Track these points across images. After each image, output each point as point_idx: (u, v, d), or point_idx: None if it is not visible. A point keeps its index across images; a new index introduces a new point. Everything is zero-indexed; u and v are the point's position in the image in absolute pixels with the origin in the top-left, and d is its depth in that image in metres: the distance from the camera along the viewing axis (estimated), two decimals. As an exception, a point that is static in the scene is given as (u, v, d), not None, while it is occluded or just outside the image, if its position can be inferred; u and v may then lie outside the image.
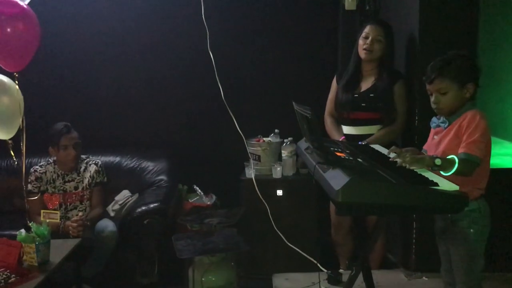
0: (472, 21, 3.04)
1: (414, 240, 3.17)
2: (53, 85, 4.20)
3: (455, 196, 1.87)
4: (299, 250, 3.45)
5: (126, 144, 4.19)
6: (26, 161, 3.39)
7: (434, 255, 2.48)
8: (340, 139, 3.15)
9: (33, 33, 3.13)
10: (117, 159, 4.04)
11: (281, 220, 3.54)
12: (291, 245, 3.46)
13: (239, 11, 4.13)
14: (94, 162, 3.64)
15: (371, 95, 3.13)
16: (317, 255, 3.41)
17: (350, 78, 3.23)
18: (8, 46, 3.04)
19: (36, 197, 3.47)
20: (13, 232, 3.04)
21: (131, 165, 4.03)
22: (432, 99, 2.25)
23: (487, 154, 2.15)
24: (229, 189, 3.87)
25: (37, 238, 2.70)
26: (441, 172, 2.04)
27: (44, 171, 3.54)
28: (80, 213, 3.43)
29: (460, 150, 2.08)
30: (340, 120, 3.30)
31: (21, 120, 3.16)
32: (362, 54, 3.14)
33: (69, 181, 3.55)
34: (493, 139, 2.24)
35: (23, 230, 2.76)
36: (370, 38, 3.09)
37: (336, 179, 1.85)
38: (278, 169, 3.64)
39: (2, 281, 2.52)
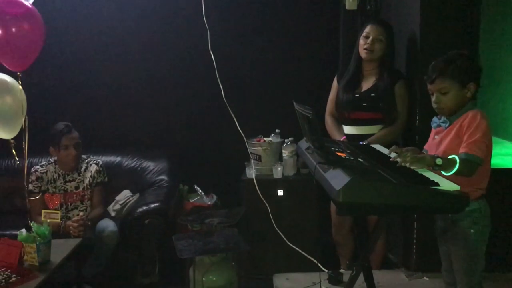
0: (472, 21, 3.04)
1: (415, 240, 3.17)
2: (54, 85, 4.20)
3: (456, 196, 1.87)
4: (299, 250, 3.45)
5: (126, 144, 4.19)
6: (27, 161, 3.39)
7: (435, 255, 2.48)
8: (341, 139, 3.15)
9: (38, 33, 3.14)
10: (118, 159, 4.04)
11: (281, 220, 3.54)
12: (291, 245, 3.46)
13: (239, 10, 4.13)
14: (95, 162, 3.64)
15: (372, 95, 3.13)
16: (318, 255, 3.40)
17: (351, 78, 3.23)
18: (13, 46, 3.05)
19: (37, 197, 3.48)
20: (14, 232, 3.04)
21: (132, 165, 4.03)
22: (433, 99, 2.25)
23: (488, 154, 2.15)
24: (229, 189, 3.87)
25: (38, 238, 2.71)
26: (442, 172, 2.04)
27: (45, 171, 3.54)
28: (81, 213, 3.43)
29: (461, 150, 2.08)
30: (341, 120, 3.30)
31: (23, 120, 3.17)
32: (362, 54, 3.14)
33: (70, 181, 3.55)
34: (494, 139, 2.24)
35: (24, 230, 2.76)
36: (370, 38, 3.09)
37: (336, 179, 1.85)
38: (279, 169, 3.64)
39: (3, 281, 2.53)
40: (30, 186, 3.48)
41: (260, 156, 3.71)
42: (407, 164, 2.05)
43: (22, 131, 3.23)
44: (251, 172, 3.67)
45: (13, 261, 2.66)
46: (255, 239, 3.54)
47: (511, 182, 3.14)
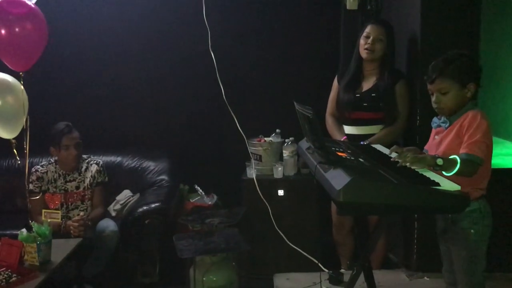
0: (473, 21, 3.04)
1: (415, 240, 3.17)
2: (54, 85, 4.19)
3: (456, 196, 1.87)
4: (300, 250, 3.45)
5: (127, 144, 4.19)
6: (29, 161, 3.39)
7: (435, 255, 2.48)
8: (342, 139, 3.15)
9: (41, 33, 3.15)
10: (119, 159, 4.04)
11: (282, 220, 3.54)
12: (292, 245, 3.46)
13: (240, 10, 4.13)
14: (95, 162, 3.64)
15: (372, 95, 3.13)
16: (318, 255, 3.40)
17: (352, 77, 3.23)
18: (16, 46, 3.06)
19: (37, 197, 3.48)
20: (15, 232, 3.04)
21: (132, 165, 4.03)
22: (433, 99, 2.24)
23: (489, 154, 2.14)
24: (230, 189, 3.87)
25: (39, 238, 2.71)
26: (443, 172, 2.04)
27: (46, 170, 3.54)
28: (82, 213, 3.43)
29: (462, 151, 2.08)
30: (341, 120, 3.30)
31: (25, 119, 3.18)
32: (363, 53, 3.14)
33: (70, 181, 3.55)
34: (495, 139, 2.24)
35: (24, 230, 2.76)
36: (371, 37, 3.09)
37: (337, 179, 1.85)
38: (280, 169, 3.64)
39: (4, 280, 2.53)
40: (31, 186, 3.48)
41: (260, 156, 3.71)
42: (408, 165, 2.04)
43: (23, 131, 3.23)
44: (251, 172, 3.67)
45: (13, 261, 2.66)
46: (255, 239, 3.54)
47: (511, 182, 3.13)
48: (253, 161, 3.71)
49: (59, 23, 4.02)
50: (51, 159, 3.60)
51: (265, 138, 3.81)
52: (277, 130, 3.81)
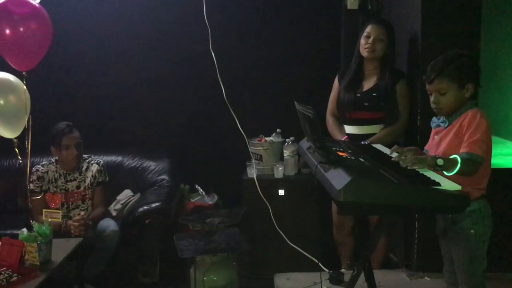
0: (474, 21, 3.04)
1: (416, 240, 3.17)
2: (55, 85, 4.20)
3: (457, 196, 1.86)
4: (300, 250, 3.45)
5: (128, 144, 4.19)
6: (30, 160, 3.39)
7: (436, 255, 2.48)
8: (342, 139, 3.15)
9: (45, 33, 3.15)
10: (119, 158, 4.05)
11: (282, 219, 3.54)
12: (292, 245, 3.46)
13: (241, 10, 4.13)
14: (96, 161, 3.64)
15: (373, 94, 3.13)
16: (319, 255, 3.40)
17: (352, 77, 3.22)
18: (21, 45, 3.06)
19: (38, 197, 3.48)
20: (15, 231, 3.04)
21: (133, 164, 4.03)
22: (432, 99, 2.24)
23: (488, 153, 2.14)
24: (230, 188, 3.87)
25: (39, 237, 2.71)
26: (444, 172, 2.04)
27: (46, 170, 3.54)
28: (82, 213, 3.43)
29: (462, 150, 2.07)
30: (342, 120, 3.30)
31: (27, 119, 3.18)
32: (364, 53, 3.14)
33: (71, 181, 3.55)
34: (496, 139, 2.25)
35: (25, 229, 2.76)
36: (372, 37, 3.09)
37: (337, 178, 1.85)
38: (280, 168, 3.64)
39: (4, 280, 2.53)
40: (31, 186, 3.48)
41: (261, 156, 3.71)
42: (408, 166, 2.04)
43: (25, 131, 3.24)
44: (252, 172, 3.66)
45: (14, 260, 2.66)
46: (256, 239, 3.54)
47: (511, 182, 3.13)
48: (253, 161, 3.71)
49: (60, 23, 4.01)
50: (51, 159, 3.60)
51: (266, 138, 3.81)
52: (278, 130, 3.81)
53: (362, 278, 2.37)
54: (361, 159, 2.20)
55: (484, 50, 3.24)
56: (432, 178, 1.93)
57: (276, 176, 3.65)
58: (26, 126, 3.21)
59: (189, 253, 2.98)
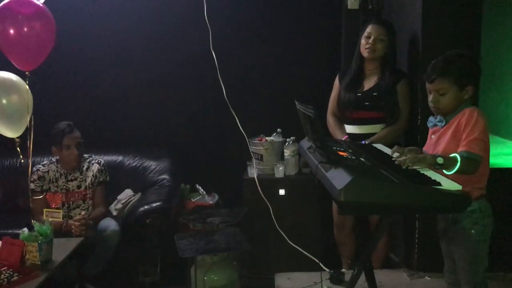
0: (474, 21, 3.04)
1: (416, 240, 3.17)
2: (57, 85, 4.20)
3: (457, 195, 1.86)
4: (301, 250, 3.45)
5: (128, 143, 4.19)
6: (32, 160, 3.40)
7: (437, 255, 2.48)
8: (343, 139, 3.15)
9: (49, 33, 3.15)
10: (120, 158, 4.05)
11: (283, 219, 3.54)
12: (293, 245, 3.46)
13: (241, 10, 4.13)
14: (96, 161, 3.64)
15: (374, 94, 3.13)
16: (319, 255, 3.40)
17: (353, 77, 3.23)
18: (24, 45, 3.06)
19: (39, 196, 3.48)
20: (16, 231, 3.05)
21: (134, 164, 4.04)
22: (430, 98, 2.24)
23: (487, 152, 2.14)
24: (231, 188, 3.87)
25: (40, 237, 2.71)
26: (444, 171, 2.04)
27: (47, 170, 3.54)
28: (83, 212, 3.43)
29: (461, 149, 2.07)
30: (343, 119, 3.30)
31: (29, 119, 3.18)
32: (364, 53, 3.14)
33: (71, 180, 3.55)
34: (496, 138, 2.25)
35: (25, 229, 2.77)
36: (372, 37, 3.09)
37: (338, 178, 1.85)
38: (281, 168, 3.64)
39: (5, 279, 2.53)
40: (32, 185, 3.48)
41: (261, 156, 3.71)
42: (408, 166, 2.04)
43: (27, 130, 3.24)
44: (252, 172, 3.67)
45: (15, 260, 2.66)
46: (256, 238, 3.54)
47: (511, 182, 3.13)
48: (254, 160, 3.71)
49: (61, 23, 4.02)
50: (52, 159, 3.61)
51: (266, 138, 3.81)
52: (278, 130, 3.81)
53: (362, 278, 2.37)
54: (361, 159, 2.20)
55: (484, 50, 3.24)
56: (433, 178, 1.94)
57: (276, 175, 3.65)
58: (28, 126, 3.21)
59: (190, 252, 2.98)
